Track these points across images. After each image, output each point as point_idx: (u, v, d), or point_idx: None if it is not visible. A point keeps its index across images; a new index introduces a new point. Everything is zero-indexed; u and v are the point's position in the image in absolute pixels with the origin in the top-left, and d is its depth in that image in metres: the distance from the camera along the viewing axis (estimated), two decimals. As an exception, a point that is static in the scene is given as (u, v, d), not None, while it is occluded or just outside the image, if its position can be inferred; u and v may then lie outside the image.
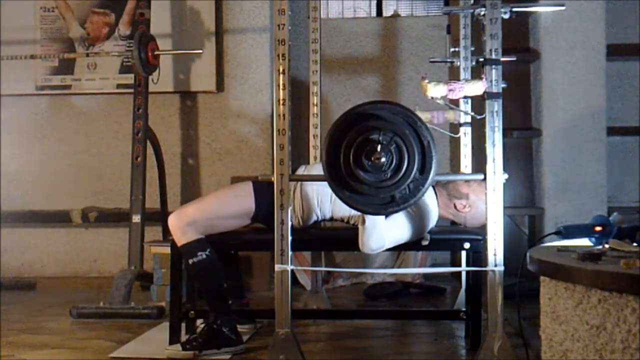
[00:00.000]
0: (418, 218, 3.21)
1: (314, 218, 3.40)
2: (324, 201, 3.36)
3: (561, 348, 2.24)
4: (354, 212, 3.34)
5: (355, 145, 2.79)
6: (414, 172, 2.79)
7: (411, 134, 2.80)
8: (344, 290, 5.06)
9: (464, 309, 3.45)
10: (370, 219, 3.08)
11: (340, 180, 2.83)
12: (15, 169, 5.42)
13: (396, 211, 2.91)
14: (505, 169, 2.87)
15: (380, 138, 2.75)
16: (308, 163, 4.19)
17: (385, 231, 3.12)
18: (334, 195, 3.33)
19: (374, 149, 2.75)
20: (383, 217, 3.10)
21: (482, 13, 2.88)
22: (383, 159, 2.75)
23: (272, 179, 2.94)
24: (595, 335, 2.08)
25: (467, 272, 3.65)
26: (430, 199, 3.30)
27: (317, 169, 3.56)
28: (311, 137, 4.24)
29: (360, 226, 3.13)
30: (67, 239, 5.43)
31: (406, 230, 3.18)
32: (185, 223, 3.30)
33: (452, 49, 4.35)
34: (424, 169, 2.81)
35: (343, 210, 3.36)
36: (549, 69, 4.85)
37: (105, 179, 5.41)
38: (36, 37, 5.44)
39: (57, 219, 5.31)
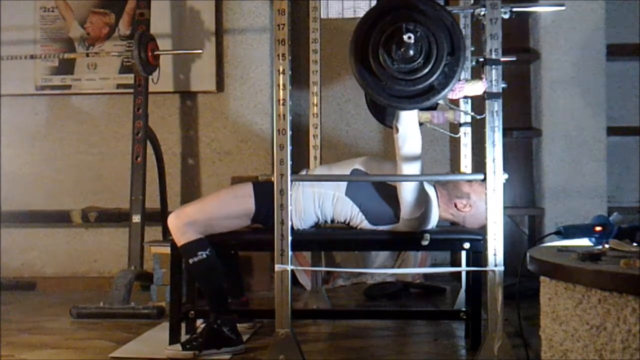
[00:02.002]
0: (426, 204, 3.23)
1: (315, 220, 3.40)
2: (325, 203, 3.36)
3: (561, 348, 2.24)
4: (355, 214, 3.35)
5: (384, 38, 2.70)
6: (445, 56, 2.71)
7: (435, 18, 2.72)
8: (344, 290, 5.06)
9: (464, 309, 3.45)
10: (402, 187, 3.10)
11: (372, 74, 2.74)
12: (15, 169, 5.42)
13: (438, 99, 2.80)
14: (505, 169, 2.87)
15: (407, 27, 2.64)
16: (308, 163, 4.20)
17: (417, 186, 3.14)
18: (335, 196, 3.34)
19: (402, 39, 2.65)
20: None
21: (482, 13, 2.88)
22: (412, 50, 2.66)
23: (272, 179, 2.94)
24: (595, 335, 2.08)
25: (467, 272, 3.65)
26: (431, 198, 3.31)
27: (319, 171, 3.57)
28: (311, 137, 4.23)
29: (395, 134, 3.10)
30: (67, 239, 5.43)
31: (423, 200, 3.20)
32: (185, 223, 3.30)
33: (452, 49, 4.34)
34: (454, 50, 2.73)
35: (344, 212, 3.36)
36: (549, 69, 4.85)
37: (105, 179, 5.41)
38: (36, 37, 5.44)
39: (57, 219, 5.31)
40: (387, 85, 2.75)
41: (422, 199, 3.22)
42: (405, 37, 2.65)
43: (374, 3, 6.18)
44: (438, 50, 2.71)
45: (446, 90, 2.76)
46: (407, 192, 3.17)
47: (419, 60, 2.70)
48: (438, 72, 2.72)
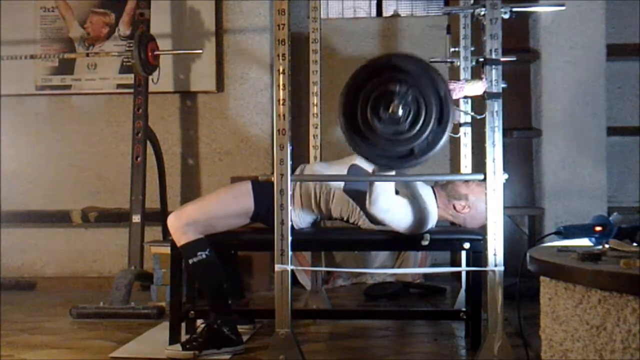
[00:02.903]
0: (419, 211, 3.20)
1: (313, 217, 3.41)
2: (324, 200, 3.37)
3: (561, 348, 2.24)
4: (353, 210, 3.35)
5: (373, 98, 2.74)
6: (432, 124, 2.74)
7: (428, 84, 2.75)
8: (344, 290, 5.06)
9: (464, 309, 3.45)
10: (380, 183, 3.07)
11: (357, 132, 2.78)
12: (15, 169, 5.42)
13: (415, 164, 2.84)
14: (505, 169, 2.87)
15: (398, 89, 2.69)
16: (308, 163, 4.19)
17: (393, 196, 3.12)
18: (332, 193, 3.34)
19: (391, 100, 2.70)
20: (392, 185, 3.10)
21: (482, 13, 2.88)
22: (400, 111, 2.70)
23: (272, 179, 2.94)
24: (595, 335, 2.08)
25: (467, 272, 3.65)
26: (429, 199, 3.30)
27: (317, 167, 3.57)
28: (311, 137, 4.23)
29: (369, 187, 3.11)
30: (67, 239, 5.43)
31: (410, 213, 3.17)
32: (184, 223, 3.30)
33: (452, 49, 4.35)
34: (442, 120, 2.76)
35: (343, 209, 3.36)
36: (549, 69, 4.85)
37: (105, 179, 5.41)
38: (36, 37, 5.44)
39: (57, 219, 5.31)
40: (370, 141, 2.77)
41: (408, 213, 3.19)
42: (393, 103, 2.68)
43: (374, 3, 6.20)
44: (426, 116, 2.74)
45: (425, 157, 2.80)
46: (388, 215, 3.15)
47: (405, 124, 2.73)
48: (421, 139, 2.75)
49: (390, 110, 2.70)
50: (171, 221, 3.34)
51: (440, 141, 2.77)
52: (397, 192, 3.22)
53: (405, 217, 3.17)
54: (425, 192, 3.32)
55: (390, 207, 3.13)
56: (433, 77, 2.77)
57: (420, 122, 2.73)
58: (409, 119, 2.73)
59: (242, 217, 3.37)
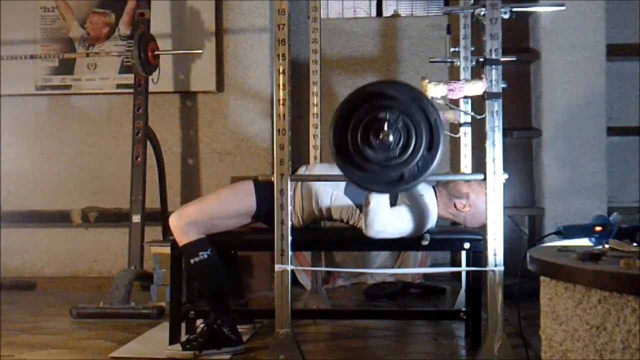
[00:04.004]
0: (419, 214, 3.21)
1: (314, 217, 3.41)
2: (324, 201, 3.37)
3: (561, 348, 2.24)
4: (353, 212, 3.35)
5: (363, 124, 2.76)
6: (422, 150, 2.76)
7: (418, 111, 2.76)
8: (344, 290, 5.06)
9: (464, 309, 3.45)
10: (374, 201, 3.10)
11: (348, 159, 2.79)
12: (15, 169, 5.42)
13: (405, 189, 2.89)
14: (505, 169, 2.87)
15: (388, 116, 2.72)
16: (308, 163, 4.19)
17: (388, 216, 3.13)
18: (334, 194, 3.35)
19: (381, 127, 2.72)
20: (387, 201, 3.13)
21: (482, 13, 2.88)
22: (391, 138, 2.72)
23: (272, 179, 2.94)
24: (595, 335, 2.08)
25: (467, 272, 3.65)
26: (430, 199, 3.30)
27: (318, 169, 3.57)
28: (311, 137, 4.23)
29: (364, 208, 3.14)
30: (67, 239, 5.43)
31: (408, 222, 3.19)
32: (186, 223, 3.30)
33: (452, 49, 4.35)
34: (432, 146, 2.77)
35: (343, 210, 3.36)
36: (549, 69, 4.85)
37: (105, 179, 5.41)
38: (36, 37, 5.44)
39: (57, 219, 5.31)
40: (364, 170, 2.79)
41: (407, 222, 3.21)
42: (383, 131, 2.71)
43: (374, 3, 6.20)
44: (416, 142, 2.75)
45: (414, 182, 2.81)
46: (386, 234, 3.17)
47: (396, 150, 2.75)
48: (412, 164, 2.77)
49: (380, 137, 2.73)
50: (173, 221, 3.34)
51: (430, 167, 2.79)
52: (395, 197, 3.23)
53: (404, 226, 3.19)
54: (426, 191, 3.32)
55: (387, 227, 3.16)
56: (423, 103, 2.79)
57: (411, 148, 2.76)
58: (400, 145, 2.76)
59: (243, 217, 3.38)
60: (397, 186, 2.83)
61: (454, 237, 3.35)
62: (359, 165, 2.79)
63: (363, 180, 2.84)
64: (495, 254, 2.84)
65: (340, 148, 2.80)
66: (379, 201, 3.11)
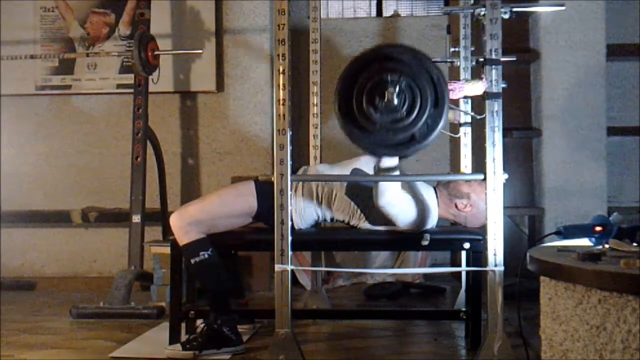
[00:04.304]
0: (421, 209, 3.22)
1: (314, 218, 3.41)
2: (325, 202, 3.37)
3: (561, 348, 2.24)
4: (354, 213, 3.35)
5: (368, 88, 2.75)
6: (428, 108, 2.75)
7: (420, 71, 2.76)
8: (344, 290, 5.06)
9: (464, 309, 3.45)
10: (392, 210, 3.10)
11: (355, 124, 2.79)
12: (15, 169, 5.42)
13: (418, 149, 2.86)
14: (505, 169, 2.87)
15: (391, 78, 2.71)
16: (308, 163, 4.19)
17: (399, 189, 3.14)
18: (334, 195, 3.34)
19: (385, 89, 2.71)
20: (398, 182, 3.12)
21: (482, 13, 2.88)
22: (396, 99, 2.72)
23: (273, 179, 2.94)
24: (595, 335, 2.08)
25: (467, 272, 3.65)
26: (430, 199, 3.30)
27: (319, 169, 3.57)
28: (311, 137, 4.23)
29: (375, 184, 3.13)
30: (67, 239, 5.43)
31: (413, 208, 3.19)
32: (187, 222, 3.30)
33: (452, 49, 4.35)
34: (438, 102, 2.77)
35: (344, 211, 3.36)
36: (549, 69, 4.85)
37: (105, 179, 5.41)
38: (36, 37, 5.44)
39: (57, 219, 5.31)
40: (370, 133, 2.78)
41: (412, 207, 3.21)
42: (387, 92, 2.70)
43: (374, 3, 6.20)
44: (422, 101, 2.75)
45: (427, 141, 2.81)
46: (397, 212, 3.17)
47: (402, 111, 2.74)
48: (420, 123, 2.76)
49: (385, 99, 2.71)
50: (174, 220, 3.34)
51: (439, 123, 2.78)
52: None
53: (409, 211, 3.19)
54: (427, 192, 3.32)
55: (397, 202, 3.15)
56: (424, 61, 2.79)
57: (417, 107, 2.75)
58: (406, 106, 2.74)
59: (244, 217, 3.37)
60: (409, 147, 2.82)
61: (454, 237, 3.35)
62: (366, 129, 2.77)
63: (371, 145, 2.82)
64: (495, 254, 2.84)
65: (347, 115, 2.79)
66: (390, 166, 3.07)
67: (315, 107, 4.24)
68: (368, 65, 2.80)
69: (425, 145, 2.84)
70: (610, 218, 2.46)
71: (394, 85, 2.71)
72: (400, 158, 3.03)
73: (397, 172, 3.11)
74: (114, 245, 5.33)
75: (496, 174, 2.85)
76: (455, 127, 4.20)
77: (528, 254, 2.43)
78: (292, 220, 3.01)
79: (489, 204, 2.86)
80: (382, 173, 3.07)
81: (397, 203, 3.15)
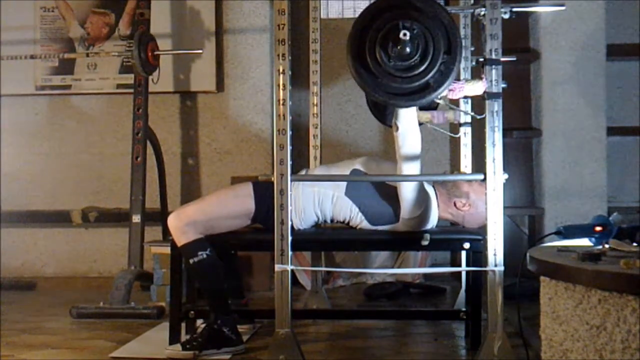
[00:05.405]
0: (425, 204, 3.23)
1: (314, 219, 3.40)
2: (325, 202, 3.36)
3: (561, 348, 2.24)
4: (354, 214, 3.35)
5: (380, 37, 2.73)
6: (441, 54, 2.74)
7: (431, 16, 2.75)
8: (344, 290, 5.06)
9: (464, 309, 3.45)
10: (402, 123, 3.06)
11: (369, 73, 2.77)
12: (15, 169, 5.42)
13: (434, 96, 2.82)
14: (505, 169, 2.87)
15: (402, 25, 2.68)
16: (308, 163, 4.19)
17: (417, 185, 3.15)
18: (334, 196, 3.34)
19: (397, 36, 2.68)
20: (416, 121, 3.10)
21: (482, 13, 2.88)
22: (408, 48, 2.69)
23: (272, 179, 2.94)
24: (595, 335, 2.08)
25: (467, 272, 3.65)
26: (430, 198, 3.31)
27: (318, 171, 3.57)
28: (311, 137, 4.23)
29: (394, 133, 3.10)
30: (67, 239, 5.43)
31: (419, 197, 3.19)
32: (185, 223, 3.30)
33: (452, 49, 4.34)
34: (451, 48, 2.76)
35: (343, 212, 3.36)
36: (549, 69, 4.85)
37: (105, 179, 5.41)
38: (36, 37, 5.43)
39: (57, 219, 5.31)
40: (384, 83, 2.77)
41: (422, 198, 3.22)
42: (401, 34, 2.67)
43: (374, 3, 6.20)
44: (434, 48, 2.74)
45: (442, 88, 2.79)
46: (407, 191, 3.18)
47: (415, 58, 2.73)
48: (434, 70, 2.75)
49: (398, 47, 2.69)
50: (171, 221, 3.34)
51: (453, 70, 2.76)
52: None
53: (415, 196, 3.19)
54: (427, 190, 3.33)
55: (420, 194, 3.18)
56: (434, 7, 2.77)
57: (430, 53, 2.73)
58: (419, 53, 2.72)
59: (242, 219, 3.37)
60: (425, 95, 2.79)
61: (454, 237, 3.35)
62: (380, 78, 2.76)
63: (386, 94, 2.80)
64: (495, 254, 2.84)
65: (360, 64, 2.78)
66: (408, 121, 3.05)
67: (315, 107, 4.24)
68: (381, 13, 2.77)
69: (440, 92, 2.80)
70: (610, 218, 2.46)
71: (407, 31, 2.67)
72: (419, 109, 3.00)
73: (416, 124, 3.09)
74: (114, 245, 5.33)
75: (496, 174, 2.85)
76: (455, 127, 4.20)
77: (528, 254, 2.43)
78: (291, 221, 3.00)
79: (489, 204, 2.87)
80: (402, 128, 3.03)
81: (419, 192, 3.17)
